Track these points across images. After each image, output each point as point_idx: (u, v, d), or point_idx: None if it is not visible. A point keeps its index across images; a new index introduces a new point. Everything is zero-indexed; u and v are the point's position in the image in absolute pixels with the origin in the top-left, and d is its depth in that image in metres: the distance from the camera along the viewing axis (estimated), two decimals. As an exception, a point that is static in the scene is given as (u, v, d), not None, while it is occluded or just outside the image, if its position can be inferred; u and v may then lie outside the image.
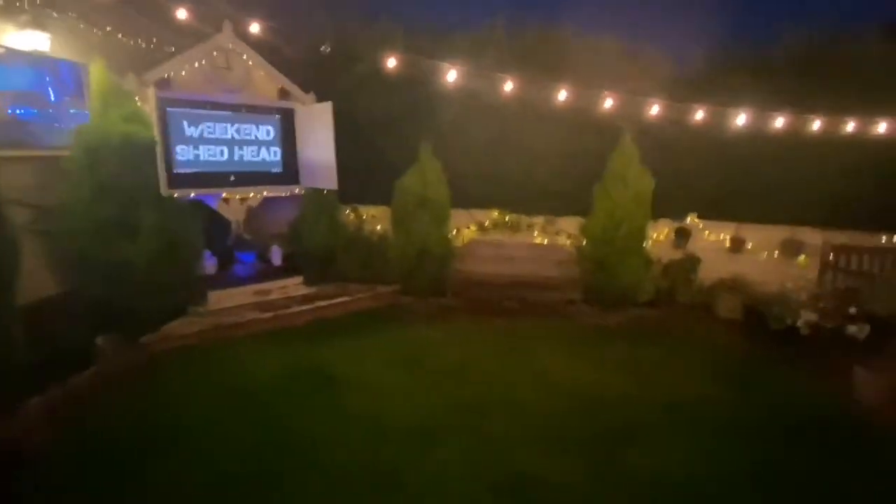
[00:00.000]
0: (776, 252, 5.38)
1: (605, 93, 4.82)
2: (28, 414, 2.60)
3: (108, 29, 3.95)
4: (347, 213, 5.50)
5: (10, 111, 3.56)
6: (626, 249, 4.81)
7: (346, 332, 4.24)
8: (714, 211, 5.43)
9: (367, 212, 5.54)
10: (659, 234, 5.56)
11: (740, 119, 4.64)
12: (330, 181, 4.88)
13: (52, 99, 3.88)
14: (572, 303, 5.08)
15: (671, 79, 5.22)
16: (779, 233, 5.36)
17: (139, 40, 4.20)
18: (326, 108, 4.71)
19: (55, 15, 3.53)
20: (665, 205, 5.18)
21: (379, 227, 5.46)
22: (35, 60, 3.65)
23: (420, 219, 4.93)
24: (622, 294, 4.91)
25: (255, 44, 4.53)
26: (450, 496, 2.24)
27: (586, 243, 5.05)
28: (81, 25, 3.78)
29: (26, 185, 3.40)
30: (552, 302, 5.08)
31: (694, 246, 5.48)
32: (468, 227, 5.59)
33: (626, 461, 2.53)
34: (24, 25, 3.35)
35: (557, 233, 5.52)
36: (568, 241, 5.48)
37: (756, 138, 4.81)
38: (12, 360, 2.53)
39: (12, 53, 3.40)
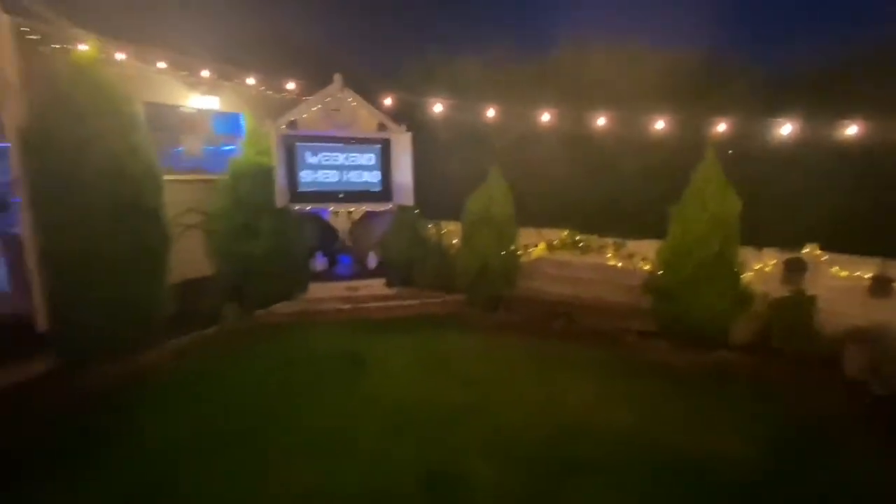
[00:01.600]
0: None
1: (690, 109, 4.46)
2: (164, 350, 3.96)
3: (262, 88, 5.52)
4: (430, 227, 6.18)
5: (203, 150, 5.40)
6: (699, 279, 4.28)
7: (402, 330, 4.86)
8: (845, 242, 4.36)
9: (447, 227, 6.13)
10: (765, 266, 4.70)
11: (852, 129, 3.73)
12: (408, 198, 5.68)
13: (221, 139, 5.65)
14: (640, 334, 4.72)
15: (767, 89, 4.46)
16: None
17: (277, 93, 5.73)
18: (407, 137, 5.54)
19: (225, 83, 5.17)
20: (776, 232, 4.43)
21: (455, 241, 5.99)
22: (212, 114, 5.41)
23: (483, 235, 5.30)
24: (698, 331, 4.35)
25: (358, 86, 5.64)
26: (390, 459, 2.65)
27: (657, 269, 4.66)
28: (240, 88, 5.42)
29: (199, 198, 5.06)
30: (613, 330, 4.79)
31: (815, 283, 4.47)
32: (536, 246, 5.67)
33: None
34: (204, 92, 5.06)
35: (631, 256, 5.17)
36: (644, 266, 5.09)
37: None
38: (161, 317, 3.92)
39: (200, 111, 5.16)
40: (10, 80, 3.36)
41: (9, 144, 3.44)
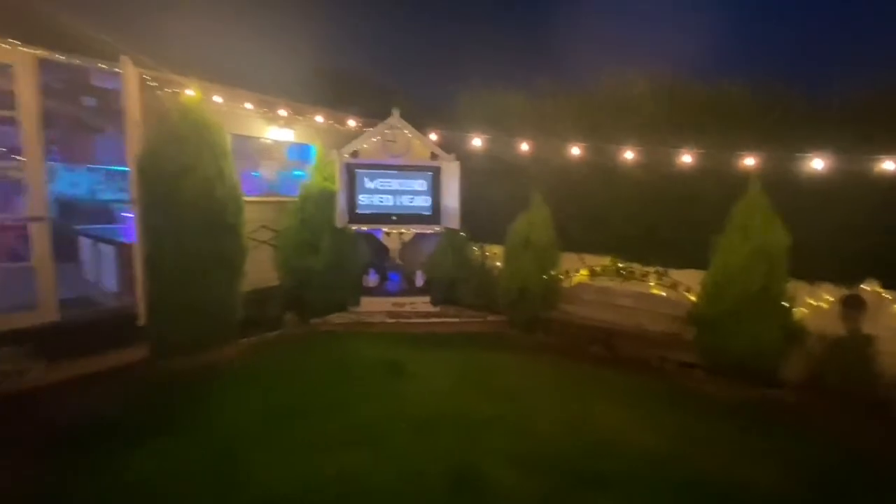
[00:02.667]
0: None
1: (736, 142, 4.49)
2: (239, 346, 4.55)
3: (329, 122, 6.23)
4: (475, 250, 6.48)
5: (277, 175, 6.16)
6: (743, 312, 4.21)
7: (442, 345, 5.15)
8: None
9: (491, 250, 6.41)
10: (819, 302, 4.50)
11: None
12: (455, 222, 6.06)
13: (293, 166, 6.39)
14: (680, 365, 4.67)
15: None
16: None
17: (342, 126, 6.42)
18: (456, 165, 5.96)
19: (299, 118, 5.91)
20: (830, 267, 4.28)
21: (498, 264, 6.25)
22: (287, 144, 6.16)
23: (523, 258, 5.51)
24: (742, 365, 4.25)
25: (412, 119, 6.19)
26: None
27: (700, 300, 4.62)
28: (311, 122, 6.15)
29: (271, 217, 5.75)
30: (652, 359, 4.77)
31: (875, 322, 4.22)
32: (577, 271, 5.77)
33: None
34: (281, 126, 5.82)
35: (675, 285, 5.13)
36: (689, 296, 5.04)
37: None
38: (235, 318, 4.52)
39: (276, 142, 5.93)
40: (134, 118, 4.17)
41: (129, 169, 4.24)
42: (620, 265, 5.54)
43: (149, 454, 2.87)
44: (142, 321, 4.15)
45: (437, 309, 6.11)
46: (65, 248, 5.16)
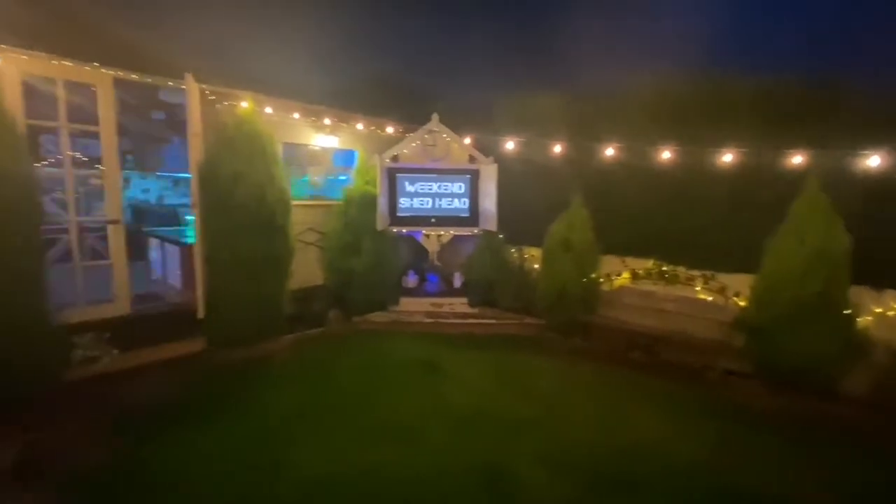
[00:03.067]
0: None
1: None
2: (285, 341, 4.83)
3: (372, 128, 6.47)
4: (513, 252, 6.48)
5: (323, 180, 6.47)
6: (798, 319, 3.96)
7: (478, 346, 5.20)
8: None
9: (529, 252, 6.38)
10: (887, 310, 4.15)
11: None
12: (493, 224, 6.10)
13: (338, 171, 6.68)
14: (727, 373, 4.46)
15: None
16: None
17: (383, 131, 6.64)
18: (494, 168, 6.00)
19: (343, 125, 6.19)
20: None
21: (536, 266, 6.22)
22: (333, 150, 6.46)
23: (562, 261, 5.46)
24: (796, 375, 4.01)
25: (451, 123, 6.30)
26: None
27: (750, 305, 4.40)
28: (355, 129, 6.41)
29: (318, 220, 6.05)
30: (696, 366, 4.59)
31: (955, 334, 3.84)
32: (619, 275, 5.63)
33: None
34: (326, 133, 6.11)
35: (722, 290, 4.89)
36: (738, 301, 4.79)
37: None
38: (282, 315, 4.80)
39: (323, 148, 6.24)
40: (196, 130, 4.55)
41: (190, 175, 4.63)
42: (664, 268, 5.36)
43: (204, 434, 3.14)
44: (201, 315, 4.51)
45: (475, 310, 6.16)
46: (136, 248, 5.69)
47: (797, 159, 4.27)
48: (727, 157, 4.72)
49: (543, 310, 5.69)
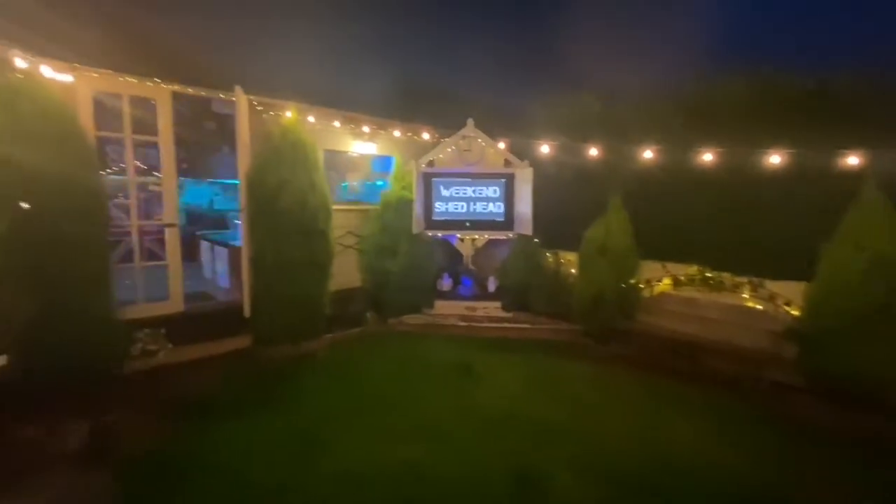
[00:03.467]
0: None
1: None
2: (325, 340, 5.02)
3: (409, 135, 6.62)
4: (548, 256, 6.42)
5: (362, 185, 6.68)
6: (858, 330, 3.72)
7: (512, 350, 5.19)
8: None
9: (565, 256, 6.30)
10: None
11: None
12: (528, 228, 6.07)
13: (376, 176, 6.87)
14: (776, 385, 4.23)
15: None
16: None
17: (419, 137, 6.77)
18: (529, 171, 5.98)
19: (381, 132, 6.37)
20: None
21: (573, 271, 6.13)
22: (371, 157, 6.65)
23: (599, 266, 5.36)
24: (849, 389, 3.75)
25: (486, 127, 6.34)
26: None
27: (803, 315, 4.16)
28: (392, 135, 6.59)
29: (357, 224, 6.24)
30: (742, 377, 4.37)
31: None
32: (660, 280, 5.46)
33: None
34: (365, 140, 6.30)
35: (772, 297, 4.64)
36: (790, 310, 4.54)
37: None
38: (322, 315, 4.99)
39: (361, 155, 6.44)
40: (244, 139, 4.83)
41: (238, 182, 4.91)
42: (708, 274, 5.16)
43: (248, 426, 3.32)
44: (247, 314, 4.76)
45: (510, 315, 6.15)
46: (188, 250, 6.08)
47: (852, 160, 4.01)
48: (776, 159, 4.50)
49: (579, 315, 5.59)
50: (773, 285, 4.63)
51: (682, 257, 5.40)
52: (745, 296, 4.86)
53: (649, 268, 5.50)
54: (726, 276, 5.03)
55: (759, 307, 4.75)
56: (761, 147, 4.50)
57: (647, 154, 5.36)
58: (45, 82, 3.67)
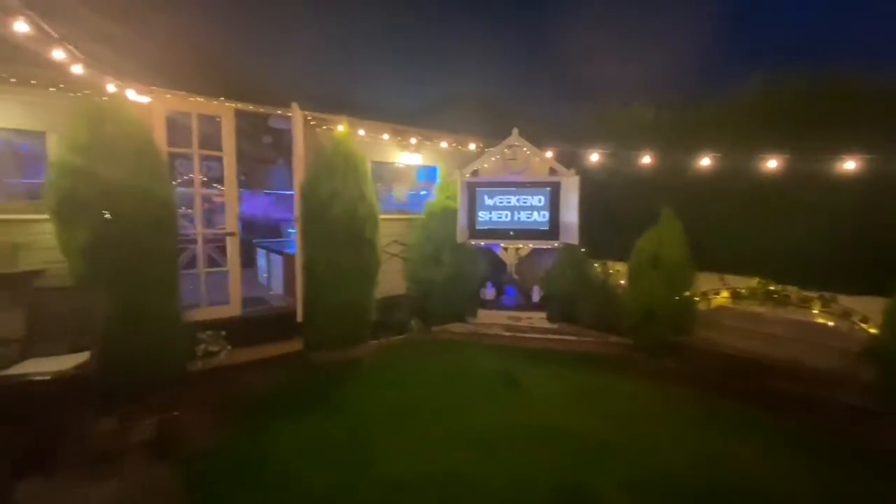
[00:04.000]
0: None
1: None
2: (371, 346, 5.13)
3: (454, 145, 6.71)
4: (596, 266, 6.25)
5: (407, 195, 6.83)
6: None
7: (557, 362, 5.06)
8: None
9: (614, 267, 6.11)
10: None
11: None
12: (574, 237, 5.95)
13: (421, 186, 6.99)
14: (852, 410, 3.86)
15: None
16: None
17: (464, 147, 6.85)
18: (576, 180, 5.87)
19: (427, 143, 6.50)
20: None
21: (622, 282, 5.93)
22: (416, 167, 6.79)
23: (650, 277, 5.16)
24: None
25: (531, 136, 6.31)
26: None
27: (884, 333, 3.80)
28: (437, 146, 6.70)
29: (402, 233, 6.37)
30: (812, 399, 4.03)
31: None
32: (717, 293, 5.17)
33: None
34: (411, 151, 6.45)
35: (847, 314, 4.27)
36: (868, 327, 4.17)
37: None
38: (368, 321, 5.12)
39: (407, 165, 6.58)
40: (300, 152, 5.07)
41: (294, 193, 5.15)
42: (772, 288, 4.83)
43: (299, 427, 3.45)
44: (299, 319, 4.96)
45: (555, 326, 6.03)
46: (245, 257, 6.43)
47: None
48: (849, 165, 4.16)
49: (629, 328, 5.40)
50: (846, 300, 4.27)
51: (741, 270, 5.09)
52: (814, 311, 4.52)
53: (705, 280, 5.24)
54: (792, 290, 4.69)
55: (831, 324, 4.40)
56: (832, 153, 4.18)
57: (704, 161, 5.12)
58: (126, 103, 4.04)
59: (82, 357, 3.28)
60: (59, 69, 3.59)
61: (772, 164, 4.61)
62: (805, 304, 4.56)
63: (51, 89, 3.98)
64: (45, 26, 3.05)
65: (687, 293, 5.13)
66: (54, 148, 3.87)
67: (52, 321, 3.52)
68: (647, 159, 5.62)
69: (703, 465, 3.09)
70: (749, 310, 4.91)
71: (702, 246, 5.12)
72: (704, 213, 5.25)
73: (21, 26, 2.89)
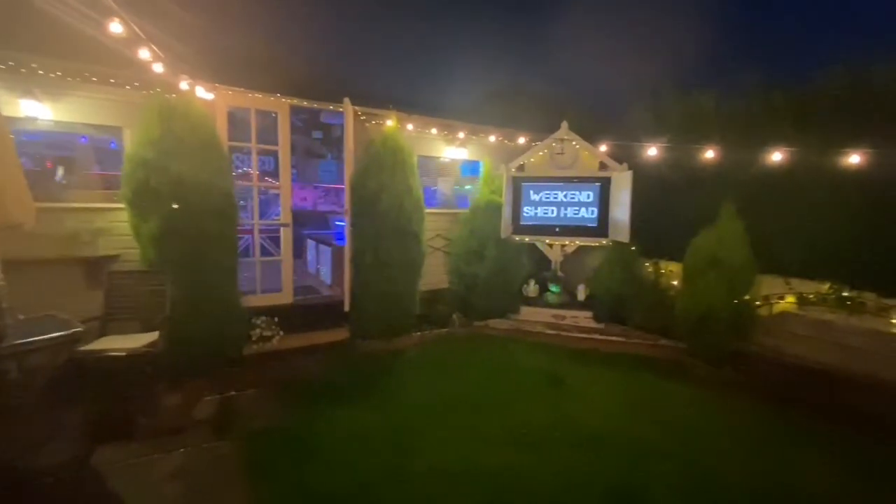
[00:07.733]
0: None
1: None
2: (414, 337, 5.20)
3: (500, 139, 6.64)
4: (647, 266, 6.00)
5: (452, 189, 6.83)
6: None
7: (604, 364, 4.91)
8: None
9: (667, 267, 5.84)
10: None
11: None
12: (624, 235, 5.73)
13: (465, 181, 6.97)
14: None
15: None
16: None
17: (511, 142, 6.75)
18: (628, 175, 5.64)
19: (473, 137, 6.46)
20: None
21: (675, 283, 5.66)
22: (461, 162, 6.77)
23: (707, 279, 4.88)
24: None
25: (581, 129, 6.12)
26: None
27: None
28: (483, 141, 6.64)
29: (446, 227, 6.39)
30: (890, 415, 3.69)
31: None
32: (781, 298, 4.81)
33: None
34: (457, 146, 6.43)
35: (936, 326, 3.85)
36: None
37: None
38: (412, 313, 5.18)
39: (452, 160, 6.58)
40: (350, 146, 5.19)
41: (344, 187, 5.29)
42: (845, 294, 4.45)
43: (346, 413, 3.56)
44: (346, 308, 5.10)
45: (601, 326, 5.85)
46: (296, 248, 6.68)
47: None
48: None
49: (684, 332, 5.14)
50: (937, 311, 3.86)
51: (811, 273, 4.72)
52: (894, 321, 4.11)
53: (768, 283, 4.90)
54: (869, 297, 4.29)
55: (919, 336, 3.99)
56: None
57: (772, 155, 4.77)
58: (193, 100, 4.28)
59: (152, 336, 3.52)
60: (139, 68, 3.85)
61: (854, 159, 4.22)
62: (884, 312, 4.16)
63: (126, 87, 4.27)
64: (135, 27, 3.26)
65: (747, 297, 4.82)
66: (129, 142, 4.17)
67: (125, 302, 3.82)
68: (706, 153, 5.31)
69: (762, 477, 2.92)
70: (819, 317, 4.54)
71: (765, 247, 4.79)
72: (769, 211, 4.91)
73: (116, 27, 3.11)
